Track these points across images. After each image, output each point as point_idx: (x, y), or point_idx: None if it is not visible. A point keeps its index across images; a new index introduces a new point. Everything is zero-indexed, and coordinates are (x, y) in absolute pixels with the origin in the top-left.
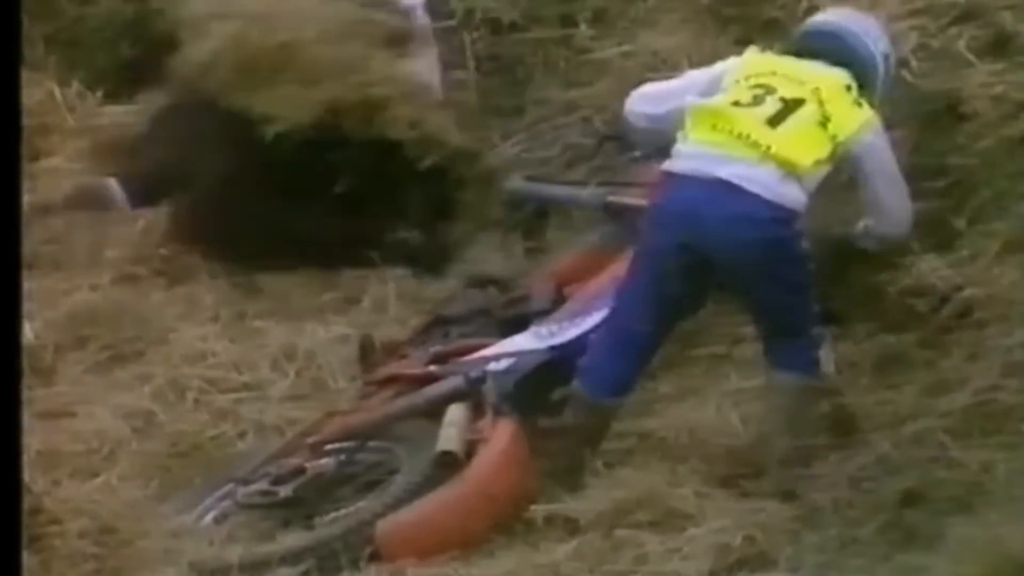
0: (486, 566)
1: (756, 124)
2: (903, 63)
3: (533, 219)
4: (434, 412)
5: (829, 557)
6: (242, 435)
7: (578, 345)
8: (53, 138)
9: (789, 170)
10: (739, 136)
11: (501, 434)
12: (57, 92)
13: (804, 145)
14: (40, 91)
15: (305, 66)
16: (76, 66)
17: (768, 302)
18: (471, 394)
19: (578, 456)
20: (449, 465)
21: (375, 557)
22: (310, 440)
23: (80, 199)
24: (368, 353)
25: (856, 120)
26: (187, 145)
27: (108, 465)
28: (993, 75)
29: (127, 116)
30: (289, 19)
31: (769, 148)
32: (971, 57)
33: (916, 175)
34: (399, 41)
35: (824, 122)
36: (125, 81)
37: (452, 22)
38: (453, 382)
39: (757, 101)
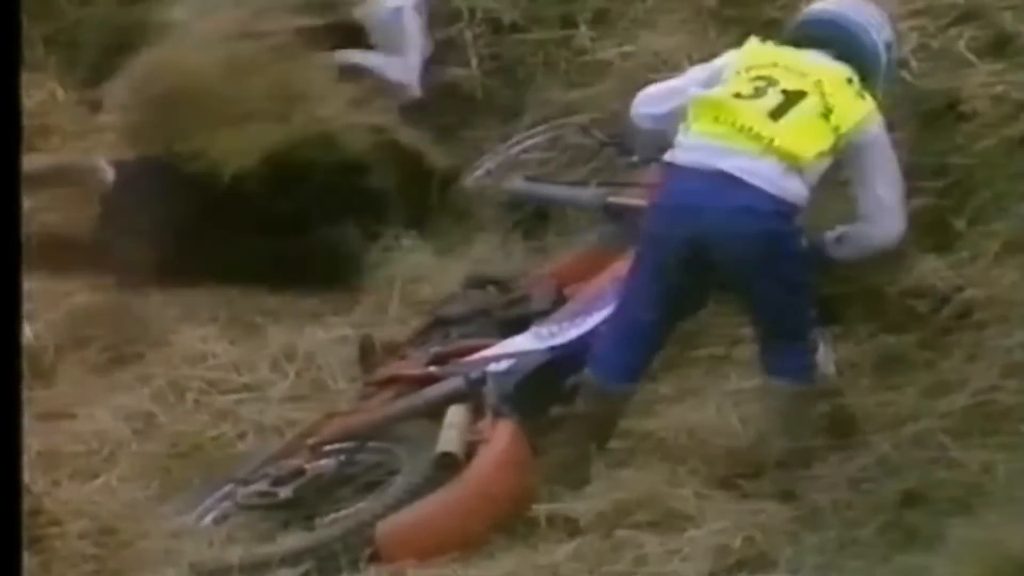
0: (486, 567)
1: (758, 116)
2: (903, 63)
3: (533, 219)
4: (434, 413)
5: (829, 558)
6: (242, 436)
7: (579, 345)
8: (53, 139)
9: (791, 163)
10: (741, 128)
11: (501, 435)
12: (60, 93)
13: (806, 137)
14: (40, 92)
15: (243, 103)
16: (76, 67)
17: (767, 299)
18: (471, 395)
19: (589, 446)
20: (449, 466)
21: (375, 558)
22: (310, 441)
23: (69, 176)
24: (368, 354)
25: (859, 112)
26: (149, 203)
27: (108, 466)
28: (993, 75)
29: None
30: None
31: (771, 141)
32: (971, 57)
33: (916, 175)
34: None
35: (826, 114)
36: None
37: (461, 25)
38: (453, 383)
39: (759, 93)
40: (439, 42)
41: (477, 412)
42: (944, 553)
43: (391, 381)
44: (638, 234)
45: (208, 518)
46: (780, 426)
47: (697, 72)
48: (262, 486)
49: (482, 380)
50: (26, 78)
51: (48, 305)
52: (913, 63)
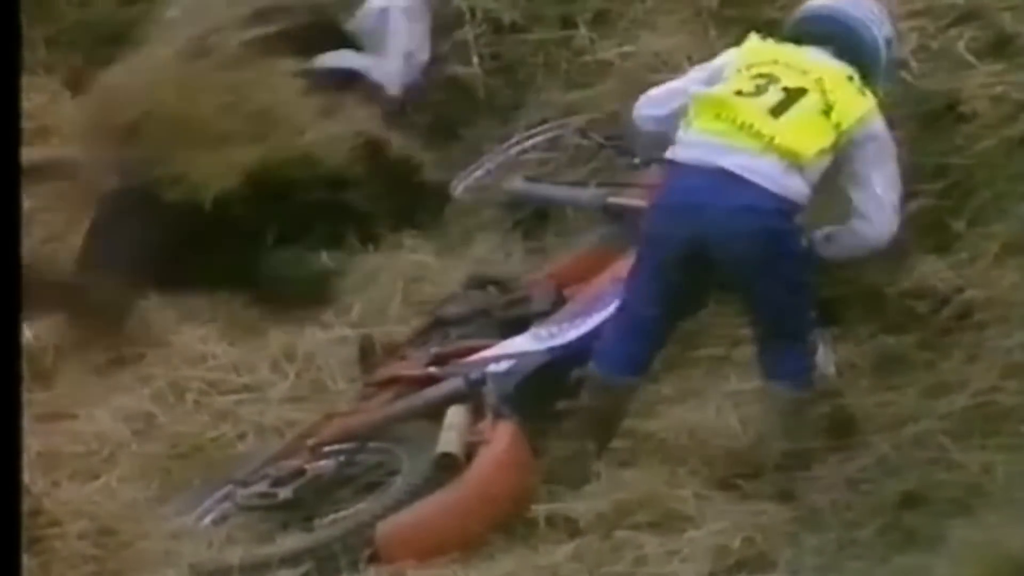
0: (485, 568)
1: (759, 114)
2: (903, 64)
3: (533, 219)
4: (434, 414)
5: (828, 559)
6: (242, 437)
7: (578, 346)
8: (53, 141)
9: (792, 160)
10: (742, 126)
11: (501, 436)
12: (63, 94)
13: (807, 135)
14: (40, 94)
15: (213, 124)
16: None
17: (767, 299)
18: (471, 396)
19: (591, 443)
20: (449, 467)
21: (374, 559)
22: (310, 442)
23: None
24: (368, 354)
25: (860, 109)
26: (133, 234)
27: (108, 467)
28: (993, 76)
29: None
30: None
31: (772, 139)
32: (971, 58)
33: (915, 176)
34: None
35: (827, 111)
36: None
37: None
38: (453, 384)
39: (759, 91)
40: (440, 42)
41: (477, 413)
42: (944, 554)
43: (391, 382)
44: (638, 234)
45: (208, 519)
46: (779, 429)
47: (698, 72)
48: (262, 487)
49: (482, 381)
50: (26, 80)
51: None
52: (913, 64)
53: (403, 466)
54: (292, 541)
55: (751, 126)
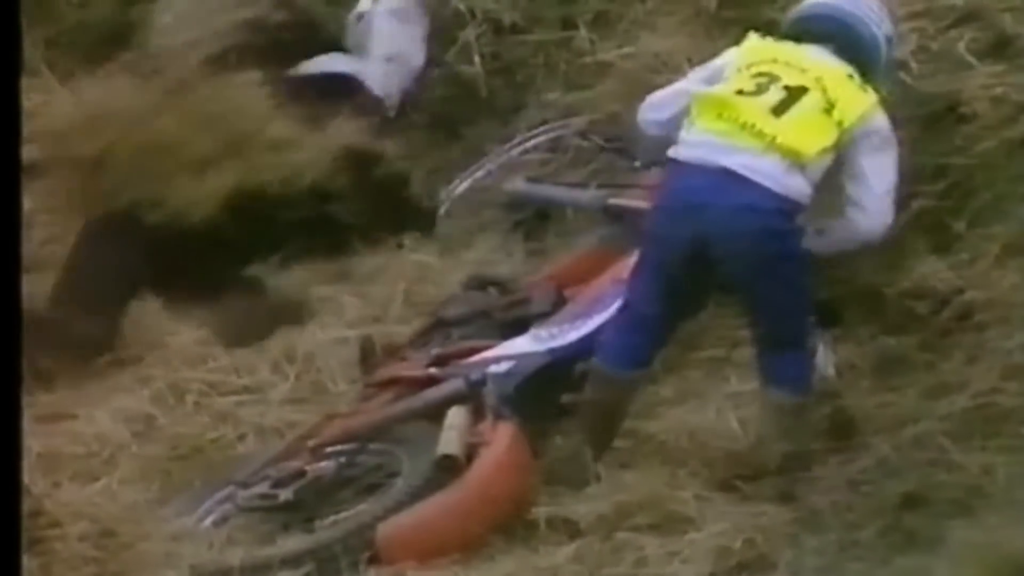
0: (486, 569)
1: (761, 113)
2: (903, 65)
3: (534, 220)
4: (434, 415)
5: (829, 560)
6: (242, 438)
7: (579, 348)
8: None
9: (793, 160)
10: (744, 126)
11: (502, 437)
12: (60, 94)
13: (809, 133)
14: (40, 95)
15: (189, 148)
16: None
17: (767, 299)
18: (471, 397)
19: (596, 436)
20: (450, 468)
21: (375, 560)
22: (310, 443)
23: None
24: (368, 355)
25: (862, 106)
26: (114, 257)
27: (108, 468)
28: (993, 77)
29: None
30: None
31: (774, 138)
32: (971, 59)
33: (916, 177)
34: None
35: (828, 109)
36: None
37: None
38: (453, 385)
39: (760, 90)
40: (441, 43)
41: (477, 414)
42: (944, 555)
43: (391, 383)
44: (638, 235)
45: (208, 520)
46: (779, 433)
47: (698, 72)
48: (262, 488)
49: (482, 382)
50: (26, 81)
51: None
52: (913, 65)
53: (404, 467)
54: (293, 542)
55: (753, 125)
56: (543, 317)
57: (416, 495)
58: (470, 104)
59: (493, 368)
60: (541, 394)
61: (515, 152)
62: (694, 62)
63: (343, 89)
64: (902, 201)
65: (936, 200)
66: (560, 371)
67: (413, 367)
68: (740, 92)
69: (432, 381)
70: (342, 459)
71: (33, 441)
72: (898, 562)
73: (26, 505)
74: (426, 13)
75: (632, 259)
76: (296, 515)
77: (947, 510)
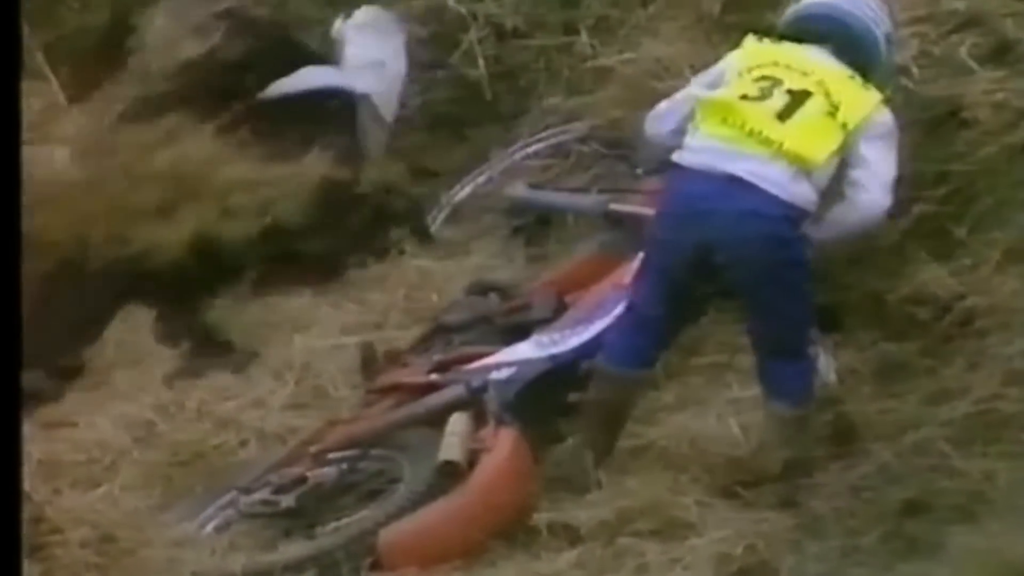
0: (488, 575)
1: (766, 119)
2: (904, 70)
3: (535, 226)
4: (436, 421)
5: (830, 566)
6: (244, 444)
7: (580, 353)
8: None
9: (800, 166)
10: (750, 132)
11: (503, 443)
12: (61, 100)
13: (815, 138)
14: (41, 100)
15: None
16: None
17: (769, 306)
18: (473, 403)
19: (601, 436)
20: (451, 474)
21: (377, 566)
22: (312, 449)
23: None
24: (370, 361)
25: (866, 106)
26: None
27: (110, 474)
28: (994, 82)
29: None
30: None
31: (781, 144)
32: (973, 64)
33: (917, 183)
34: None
35: (833, 111)
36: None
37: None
38: (455, 391)
39: (764, 94)
40: (444, 46)
41: (479, 420)
42: (946, 561)
43: (393, 389)
44: (640, 241)
45: (210, 526)
46: (780, 443)
47: (700, 78)
48: (264, 494)
49: (484, 388)
50: (28, 86)
51: None
52: (914, 70)
53: (405, 473)
54: (295, 548)
55: (760, 132)
56: (544, 323)
57: (418, 501)
58: (474, 107)
59: (494, 374)
60: (542, 400)
61: (516, 157)
62: (696, 68)
63: (330, 104)
64: (903, 206)
65: (937, 206)
66: (561, 377)
67: (414, 373)
68: (744, 97)
69: (433, 387)
70: (344, 465)
71: (34, 448)
72: (900, 568)
73: (27, 511)
74: (401, 23)
75: (634, 264)
76: (298, 521)
77: (948, 516)
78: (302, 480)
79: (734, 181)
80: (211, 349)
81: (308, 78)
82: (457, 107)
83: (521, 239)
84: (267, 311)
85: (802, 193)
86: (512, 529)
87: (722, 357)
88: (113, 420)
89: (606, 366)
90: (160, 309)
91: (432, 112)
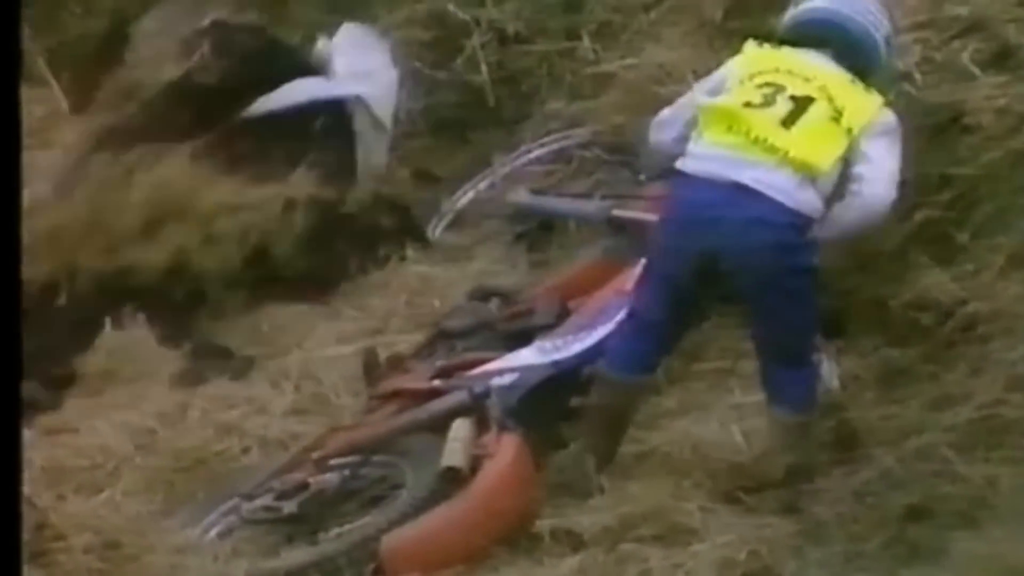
0: None
1: (771, 126)
2: (907, 76)
3: (537, 232)
4: (438, 427)
5: (833, 572)
6: (246, 450)
7: (582, 359)
8: (56, 152)
9: (806, 173)
10: (755, 140)
11: (506, 449)
12: (64, 106)
13: (820, 144)
14: (43, 107)
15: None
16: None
17: (774, 313)
18: (475, 409)
19: (603, 441)
20: (454, 480)
21: (379, 573)
22: (314, 455)
23: None
24: (372, 367)
25: (869, 110)
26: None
27: (112, 480)
28: (997, 88)
29: None
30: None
31: (787, 152)
32: (975, 70)
33: (920, 188)
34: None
35: (837, 116)
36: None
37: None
38: (457, 397)
39: (768, 101)
40: (447, 51)
41: (482, 426)
42: (948, 567)
43: (395, 395)
44: (642, 246)
45: (213, 532)
46: (783, 450)
47: (702, 85)
48: (266, 500)
49: (486, 394)
50: (30, 92)
51: None
52: (917, 76)
53: (408, 479)
54: (297, 555)
55: (765, 139)
56: (547, 329)
57: (420, 507)
58: (476, 113)
59: (497, 380)
60: (545, 406)
61: (519, 163)
62: (698, 73)
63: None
64: (906, 212)
65: (940, 211)
66: (564, 382)
67: (417, 379)
68: (748, 104)
69: (436, 393)
70: (346, 471)
71: (36, 454)
72: (902, 574)
73: (30, 518)
74: (385, 36)
75: (636, 270)
76: (300, 527)
77: (951, 522)
78: (304, 486)
79: (740, 189)
80: (212, 355)
81: (296, 92)
82: (460, 112)
83: (523, 245)
84: (268, 317)
85: (807, 200)
86: (515, 535)
87: (724, 363)
88: (115, 426)
89: (608, 372)
90: (155, 315)
91: (435, 117)
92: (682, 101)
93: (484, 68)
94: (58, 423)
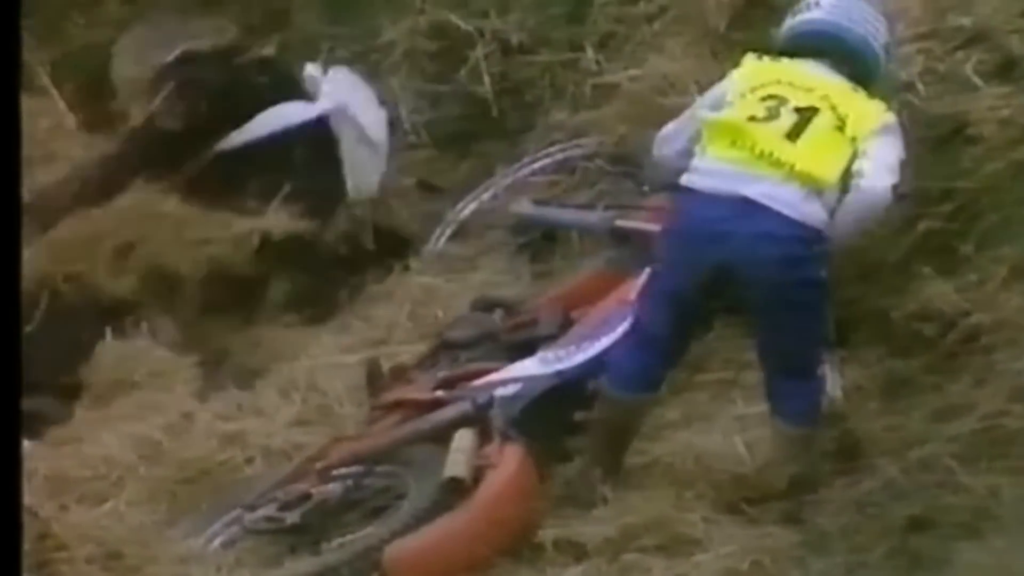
0: None
1: (776, 140)
2: (910, 87)
3: (540, 242)
4: (441, 437)
5: None
6: (249, 461)
7: (586, 370)
8: (59, 165)
9: (812, 186)
10: (760, 154)
11: (509, 460)
12: (68, 119)
13: (826, 156)
14: (46, 119)
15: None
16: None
17: (781, 326)
18: (478, 419)
19: (606, 456)
20: (456, 491)
21: None
22: (317, 465)
23: None
24: (375, 378)
25: (873, 117)
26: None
27: (116, 491)
28: (1000, 99)
29: None
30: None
31: (793, 166)
32: (978, 81)
33: (923, 199)
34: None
35: (841, 126)
36: None
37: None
38: (460, 407)
39: (772, 114)
40: (451, 62)
41: (484, 436)
42: None
43: (398, 405)
44: (645, 257)
45: (216, 543)
46: (787, 461)
47: (704, 99)
48: (269, 511)
49: (489, 404)
50: (33, 104)
51: None
52: (920, 87)
53: (410, 490)
54: (300, 565)
55: (771, 154)
56: (550, 339)
57: (423, 518)
58: (480, 123)
59: (500, 391)
60: (548, 416)
61: (522, 174)
62: (702, 84)
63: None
64: (908, 223)
65: (943, 222)
66: (567, 393)
67: (420, 390)
68: (752, 118)
69: (439, 404)
70: (349, 482)
71: (40, 464)
72: None
73: (33, 528)
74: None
75: (639, 280)
76: (303, 538)
77: (954, 532)
78: (307, 497)
79: (748, 203)
80: (217, 366)
81: (273, 119)
82: (463, 123)
83: (526, 255)
84: (271, 328)
85: (814, 212)
86: (517, 545)
87: (728, 374)
88: (119, 436)
89: (612, 391)
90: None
91: (438, 128)
92: (685, 115)
93: (487, 79)
94: (62, 433)
